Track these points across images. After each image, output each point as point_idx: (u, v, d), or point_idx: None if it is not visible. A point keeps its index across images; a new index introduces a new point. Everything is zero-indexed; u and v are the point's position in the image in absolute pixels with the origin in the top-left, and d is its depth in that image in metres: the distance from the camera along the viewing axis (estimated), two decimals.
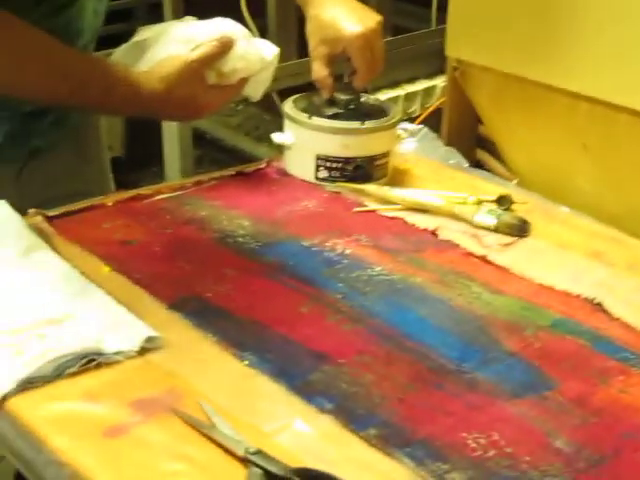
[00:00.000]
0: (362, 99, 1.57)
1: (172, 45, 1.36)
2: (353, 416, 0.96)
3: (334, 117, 1.51)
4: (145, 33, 1.41)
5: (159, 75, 1.32)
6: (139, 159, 3.75)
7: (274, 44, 1.47)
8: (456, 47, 1.81)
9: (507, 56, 1.68)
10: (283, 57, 2.86)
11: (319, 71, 1.52)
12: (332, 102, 1.53)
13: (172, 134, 2.73)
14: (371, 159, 1.50)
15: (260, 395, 1.00)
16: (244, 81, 1.42)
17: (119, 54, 1.41)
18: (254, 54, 1.41)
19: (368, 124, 1.49)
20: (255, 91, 1.48)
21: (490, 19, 1.71)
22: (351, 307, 1.17)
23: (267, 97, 3.21)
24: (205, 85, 1.36)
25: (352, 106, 1.53)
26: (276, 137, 1.55)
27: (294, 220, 1.39)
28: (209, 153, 3.96)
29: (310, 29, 1.53)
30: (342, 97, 1.53)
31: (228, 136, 3.96)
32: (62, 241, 1.30)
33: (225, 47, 1.36)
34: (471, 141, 1.89)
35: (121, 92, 1.31)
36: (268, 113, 4.32)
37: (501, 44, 1.68)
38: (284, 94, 3.14)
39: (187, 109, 1.38)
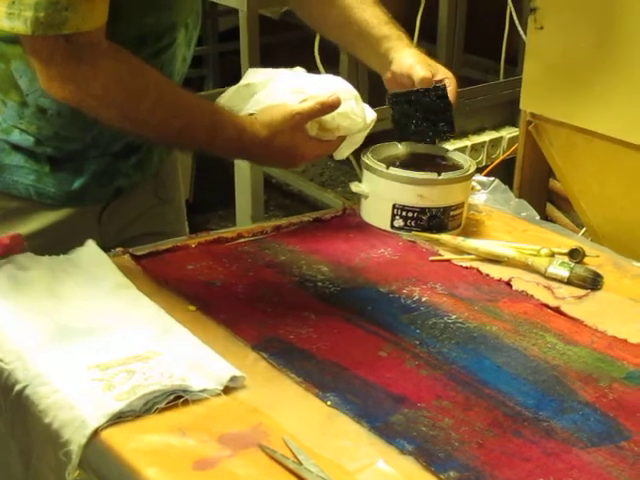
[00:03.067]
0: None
1: (281, 93, 1.41)
2: (433, 458, 0.99)
3: (410, 167, 1.55)
4: (254, 76, 1.47)
5: (263, 121, 1.36)
6: (206, 203, 3.82)
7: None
8: (530, 101, 1.84)
9: (581, 111, 1.71)
10: None
11: (428, 73, 1.56)
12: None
13: (244, 179, 2.79)
14: (446, 209, 1.53)
15: (343, 434, 1.03)
16: (342, 139, 1.47)
17: (229, 94, 1.46)
18: (359, 115, 1.46)
19: (444, 175, 1.53)
20: (344, 150, 1.52)
21: (565, 75, 1.74)
22: (429, 353, 1.20)
23: None
24: (305, 136, 1.40)
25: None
26: (354, 186, 1.58)
27: (371, 267, 1.43)
28: (275, 198, 4.03)
29: (406, 60, 1.57)
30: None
31: (293, 181, 4.03)
32: (148, 280, 1.35)
33: (332, 106, 1.40)
34: (542, 194, 1.92)
35: (226, 134, 1.35)
36: (332, 160, 4.39)
37: (576, 99, 1.72)
38: None
39: (285, 157, 1.42)
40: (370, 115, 1.50)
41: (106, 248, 1.39)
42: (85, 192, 1.47)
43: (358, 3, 1.60)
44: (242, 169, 2.77)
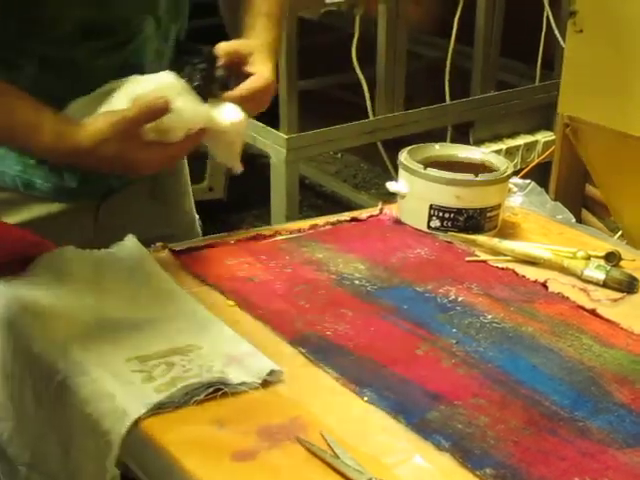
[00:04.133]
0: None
1: (118, 100, 1.32)
2: (469, 455, 1.00)
3: (447, 168, 1.56)
4: (109, 86, 1.36)
5: (87, 130, 1.28)
6: (240, 202, 3.84)
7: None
8: (568, 104, 1.84)
9: (619, 115, 1.71)
10: (389, 108, 2.94)
11: (235, 47, 1.43)
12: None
13: (279, 179, 2.81)
14: (483, 211, 1.54)
15: (380, 429, 1.04)
16: (190, 140, 1.33)
17: (80, 103, 1.35)
18: (190, 111, 1.32)
19: (482, 177, 1.54)
20: (227, 158, 1.42)
21: (604, 78, 1.74)
22: (465, 352, 1.21)
23: (367, 147, 3.29)
24: (139, 142, 1.29)
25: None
26: (391, 186, 1.59)
27: (407, 266, 1.44)
28: (308, 198, 4.05)
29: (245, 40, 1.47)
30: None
31: (327, 182, 4.04)
32: (187, 275, 1.37)
33: (161, 110, 1.28)
34: (578, 198, 1.92)
35: (41, 139, 1.28)
36: (366, 162, 4.40)
37: (614, 103, 1.72)
38: (388, 145, 3.22)
39: (115, 165, 1.32)
40: (232, 116, 1.37)
41: (103, 247, 1.39)
42: (75, 188, 1.46)
43: None
44: (277, 168, 2.79)
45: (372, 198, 3.78)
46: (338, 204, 3.93)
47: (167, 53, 1.49)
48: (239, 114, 1.37)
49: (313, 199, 4.08)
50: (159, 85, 1.33)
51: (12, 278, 1.32)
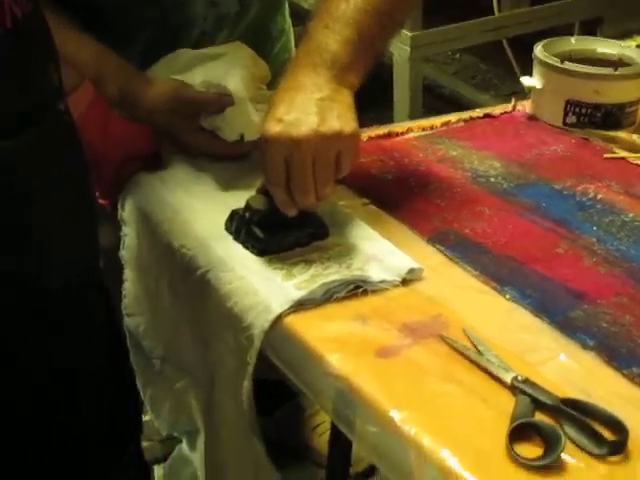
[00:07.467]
0: None
1: (193, 75, 1.32)
2: (615, 354, 0.98)
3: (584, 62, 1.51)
4: (185, 52, 1.36)
5: (152, 90, 1.30)
6: (356, 104, 3.80)
7: None
8: None
9: None
10: (515, 4, 2.84)
11: None
12: None
13: (403, 79, 2.76)
14: (622, 106, 1.49)
15: (522, 328, 1.03)
16: (240, 147, 1.33)
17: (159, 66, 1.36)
18: (246, 120, 1.30)
19: (621, 70, 1.48)
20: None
21: None
22: (606, 250, 1.18)
23: (486, 47, 3.21)
24: (193, 126, 1.32)
25: None
26: (525, 80, 1.55)
27: (543, 163, 1.41)
28: (426, 100, 3.98)
29: None
30: None
31: (446, 83, 3.97)
32: None
33: (220, 103, 1.29)
34: None
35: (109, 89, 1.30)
36: (485, 62, 4.30)
37: None
38: (513, 42, 3.14)
39: (170, 137, 1.35)
40: None
41: None
42: None
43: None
44: (400, 67, 2.74)
45: (492, 99, 3.70)
46: (457, 105, 3.86)
47: (224, 2, 1.43)
48: None
49: (432, 101, 4.01)
50: (237, 79, 1.30)
51: (148, 174, 1.34)
